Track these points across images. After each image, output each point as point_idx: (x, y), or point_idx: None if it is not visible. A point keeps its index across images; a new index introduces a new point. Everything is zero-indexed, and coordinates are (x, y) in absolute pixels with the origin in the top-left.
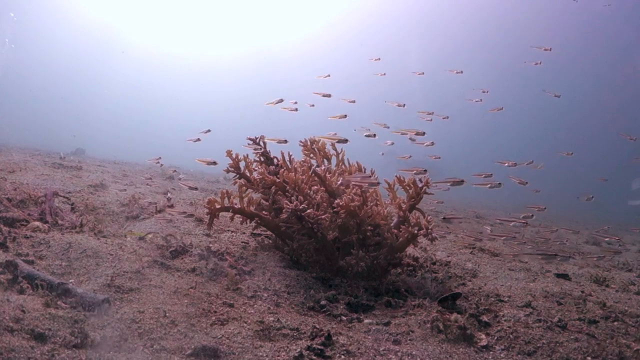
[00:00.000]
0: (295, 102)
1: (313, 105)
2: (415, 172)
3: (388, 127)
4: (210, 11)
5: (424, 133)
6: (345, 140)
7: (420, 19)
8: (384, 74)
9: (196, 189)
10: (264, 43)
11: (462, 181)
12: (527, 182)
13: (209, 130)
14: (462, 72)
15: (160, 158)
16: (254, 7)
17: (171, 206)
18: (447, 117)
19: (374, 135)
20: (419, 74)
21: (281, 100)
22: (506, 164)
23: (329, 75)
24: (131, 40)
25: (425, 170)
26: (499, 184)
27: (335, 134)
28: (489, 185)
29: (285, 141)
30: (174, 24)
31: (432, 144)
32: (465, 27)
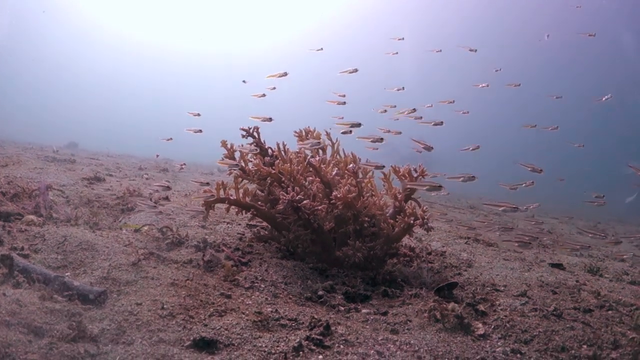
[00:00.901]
0: (274, 88)
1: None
2: (371, 140)
3: (395, 106)
4: (208, 7)
5: (415, 109)
6: (359, 125)
7: (419, 19)
8: (397, 53)
9: (207, 184)
10: (260, 40)
11: (431, 147)
12: (516, 188)
13: (198, 114)
14: (476, 50)
15: (171, 138)
16: (252, 6)
17: (166, 198)
18: (467, 112)
19: (350, 131)
20: (437, 51)
21: (285, 74)
22: (529, 169)
23: (321, 49)
24: (129, 35)
25: (382, 139)
26: (473, 176)
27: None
28: (461, 179)
29: (270, 119)
30: (171, 18)
31: (442, 123)
32: (461, 26)
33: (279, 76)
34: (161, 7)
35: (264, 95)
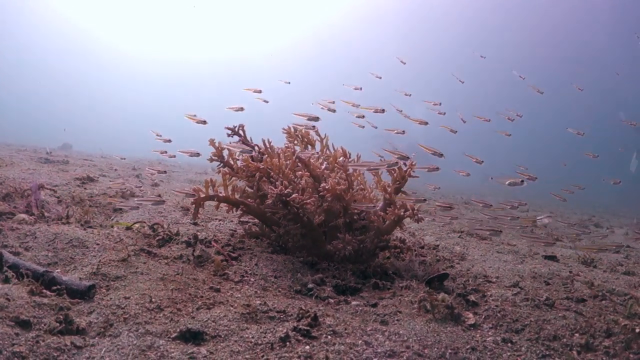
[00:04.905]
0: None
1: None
2: (306, 117)
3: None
4: (199, 17)
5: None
6: (383, 111)
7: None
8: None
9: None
10: (248, 47)
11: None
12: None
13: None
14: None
15: (170, 140)
16: (242, 13)
17: (159, 196)
18: (439, 103)
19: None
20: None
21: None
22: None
23: (360, 88)
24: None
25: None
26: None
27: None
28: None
29: (205, 122)
30: (162, 28)
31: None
32: (456, 27)
33: (254, 91)
34: (155, 17)
35: (242, 108)
